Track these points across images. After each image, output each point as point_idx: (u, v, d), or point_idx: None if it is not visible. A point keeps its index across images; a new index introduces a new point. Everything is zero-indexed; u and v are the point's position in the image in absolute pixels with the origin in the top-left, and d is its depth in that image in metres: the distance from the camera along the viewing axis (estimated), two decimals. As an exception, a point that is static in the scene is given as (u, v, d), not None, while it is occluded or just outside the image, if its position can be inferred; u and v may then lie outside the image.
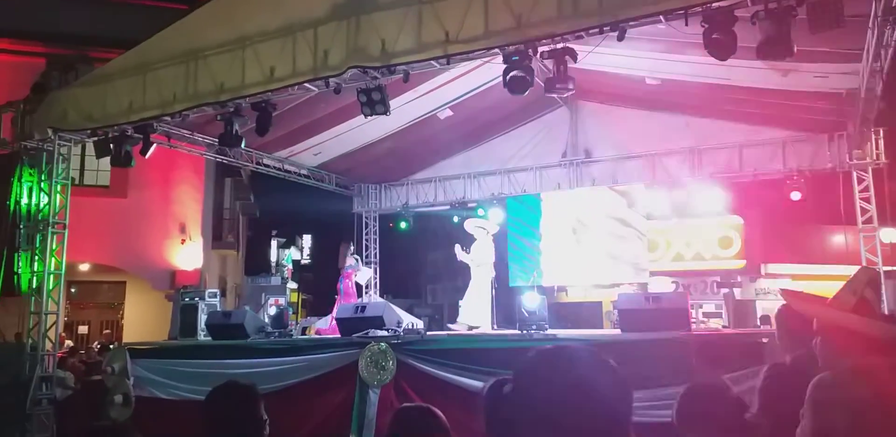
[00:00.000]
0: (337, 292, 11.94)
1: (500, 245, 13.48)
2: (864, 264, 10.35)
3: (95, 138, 9.81)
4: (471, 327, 9.60)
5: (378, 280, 14.49)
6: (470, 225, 10.64)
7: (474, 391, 6.96)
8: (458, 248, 10.60)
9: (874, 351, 2.17)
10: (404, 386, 7.54)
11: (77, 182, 14.17)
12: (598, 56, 8.25)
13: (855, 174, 10.55)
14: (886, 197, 10.30)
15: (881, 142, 10.30)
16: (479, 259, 10.40)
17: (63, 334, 12.97)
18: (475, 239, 10.86)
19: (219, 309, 10.35)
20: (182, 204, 16.36)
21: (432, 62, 7.23)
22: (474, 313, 9.97)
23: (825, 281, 12.58)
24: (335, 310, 10.66)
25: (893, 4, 5.88)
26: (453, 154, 13.65)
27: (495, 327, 10.59)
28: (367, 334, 8.04)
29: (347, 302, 11.00)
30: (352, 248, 13.03)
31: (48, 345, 9.73)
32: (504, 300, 11.51)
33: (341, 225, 17.00)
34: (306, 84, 7.96)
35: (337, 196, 15.01)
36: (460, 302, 10.57)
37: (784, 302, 2.91)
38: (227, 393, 2.55)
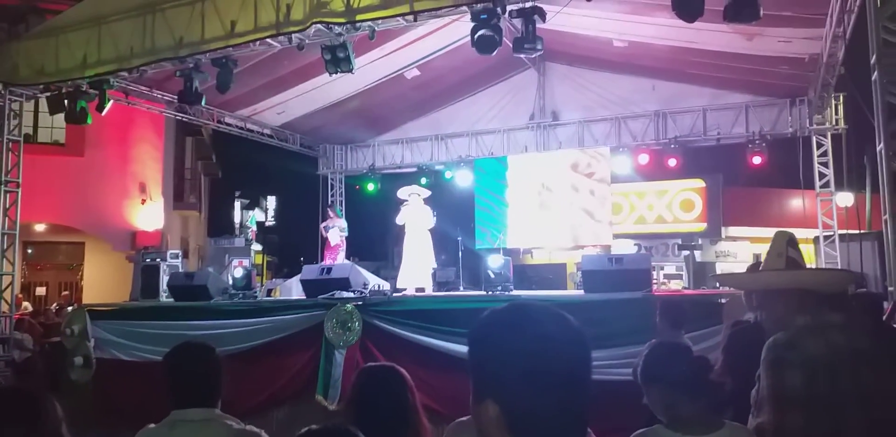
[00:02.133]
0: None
1: (467, 208, 13.50)
2: (820, 227, 10.63)
3: (48, 94, 9.47)
4: (418, 290, 9.60)
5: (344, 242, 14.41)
6: (404, 192, 10.55)
7: (440, 350, 7.02)
8: (403, 210, 10.48)
9: (818, 309, 2.21)
10: (370, 346, 7.56)
11: (31, 140, 13.73)
12: (566, 17, 8.18)
13: (815, 139, 10.73)
14: (844, 162, 10.52)
15: (841, 107, 10.47)
16: (418, 222, 10.27)
17: (20, 296, 12.71)
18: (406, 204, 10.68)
19: (181, 270, 10.22)
20: (141, 163, 15.98)
21: (399, 19, 7.08)
22: (416, 277, 9.93)
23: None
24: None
25: (860, -31, 5.88)
26: (420, 115, 13.53)
27: (461, 288, 10.65)
28: (332, 295, 8.01)
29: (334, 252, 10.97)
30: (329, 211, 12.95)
31: (4, 307, 9.53)
32: (470, 263, 11.57)
33: (307, 187, 16.84)
34: (268, 40, 7.75)
35: (302, 157, 14.82)
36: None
37: (752, 262, 2.97)
38: (186, 351, 2.51)
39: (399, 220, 10.28)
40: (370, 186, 14.43)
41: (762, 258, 3.90)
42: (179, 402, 2.41)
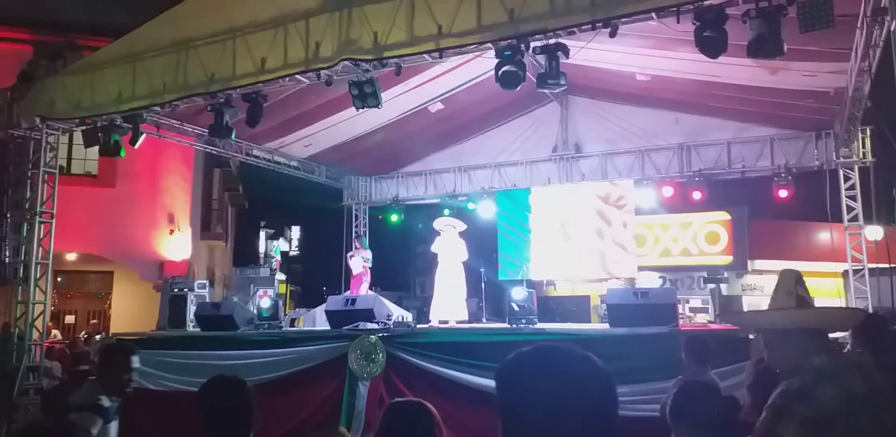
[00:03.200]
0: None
1: (490, 239, 13.52)
2: (849, 261, 10.49)
3: (84, 127, 9.75)
4: (441, 322, 9.61)
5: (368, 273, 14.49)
6: (440, 223, 10.62)
7: (464, 383, 7.00)
8: (437, 240, 10.54)
9: (828, 348, 2.17)
10: (394, 379, 7.57)
11: (64, 171, 14.06)
12: (589, 52, 8.27)
13: (842, 172, 10.66)
14: (872, 195, 10.42)
15: (867, 140, 10.41)
16: (452, 253, 10.31)
17: (50, 324, 12.90)
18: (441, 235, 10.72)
19: (208, 300, 10.34)
20: (170, 194, 16.27)
21: (424, 56, 7.22)
22: (446, 309, 9.94)
23: (810, 278, 12.51)
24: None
25: (882, 5, 5.92)
26: (444, 148, 13.65)
27: (484, 320, 10.63)
28: (356, 326, 8.05)
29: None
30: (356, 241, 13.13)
31: (35, 335, 9.68)
32: (493, 295, 11.55)
33: (331, 217, 16.99)
34: (297, 76, 7.93)
35: (327, 188, 15.00)
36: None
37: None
38: (219, 385, 2.56)
39: (434, 248, 10.36)
40: (393, 218, 14.55)
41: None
42: (212, 435, 2.45)
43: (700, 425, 2.26)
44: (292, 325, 11.17)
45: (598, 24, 6.37)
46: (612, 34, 6.42)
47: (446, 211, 13.11)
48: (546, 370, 1.25)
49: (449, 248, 10.09)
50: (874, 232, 11.07)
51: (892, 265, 10.49)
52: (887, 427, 1.95)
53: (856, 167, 10.54)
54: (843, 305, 10.20)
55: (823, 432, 1.96)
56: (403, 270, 31.88)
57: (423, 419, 2.39)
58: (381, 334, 7.78)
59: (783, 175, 10.83)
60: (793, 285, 2.24)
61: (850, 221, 10.59)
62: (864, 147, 10.40)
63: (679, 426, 2.33)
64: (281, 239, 34.80)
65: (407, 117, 11.64)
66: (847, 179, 10.64)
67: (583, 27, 6.48)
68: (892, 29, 5.41)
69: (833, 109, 9.58)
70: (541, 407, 1.21)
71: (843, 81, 8.34)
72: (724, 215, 15.29)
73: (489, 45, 6.98)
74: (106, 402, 3.38)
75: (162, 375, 8.75)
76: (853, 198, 10.62)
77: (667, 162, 11.91)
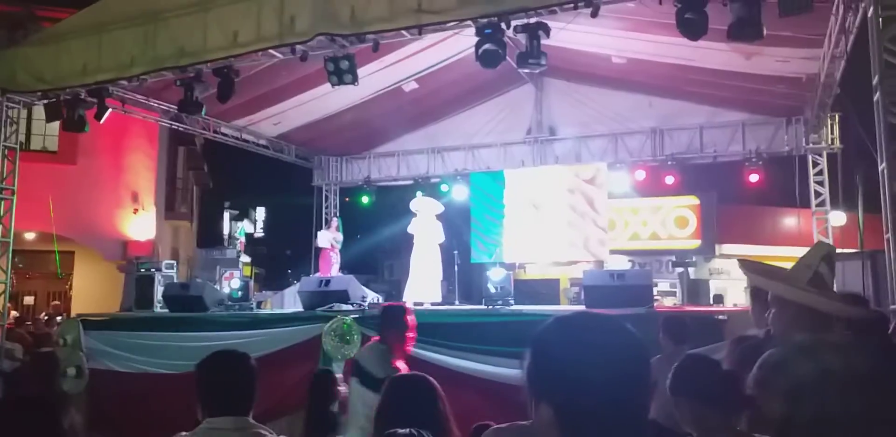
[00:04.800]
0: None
1: (463, 222, 13.53)
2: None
3: (46, 101, 9.44)
4: (415, 304, 9.63)
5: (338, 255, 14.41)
6: (416, 204, 10.57)
7: (441, 365, 7.01)
8: (413, 222, 10.49)
9: (824, 327, 2.18)
10: (368, 359, 7.54)
11: (23, 147, 13.65)
12: (566, 33, 8.28)
13: (810, 158, 10.87)
14: (839, 181, 10.64)
15: (836, 127, 10.63)
16: (428, 235, 10.30)
17: (9, 305, 12.58)
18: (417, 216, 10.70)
19: (175, 281, 10.17)
20: (134, 172, 15.93)
21: (403, 32, 7.13)
22: (421, 291, 9.95)
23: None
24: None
25: (859, -9, 6.01)
26: (417, 128, 13.59)
27: (457, 303, 10.65)
28: (331, 307, 8.00)
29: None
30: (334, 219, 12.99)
31: (-5, 315, 9.44)
32: (464, 278, 11.58)
33: (298, 199, 16.82)
34: (271, 50, 7.76)
35: (295, 168, 14.84)
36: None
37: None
38: (222, 359, 2.51)
39: (410, 230, 10.31)
40: (364, 199, 14.45)
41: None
42: (212, 411, 2.40)
43: (700, 397, 2.29)
44: (259, 308, 11.06)
45: (579, 4, 6.34)
46: (594, 14, 6.41)
47: (419, 193, 13.07)
48: (577, 336, 1.25)
49: (425, 230, 10.07)
50: (838, 218, 11.33)
51: (856, 250, 10.75)
52: (856, 409, 1.94)
53: (824, 153, 10.76)
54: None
55: (798, 404, 1.98)
56: (371, 253, 31.74)
57: (425, 392, 2.38)
58: (356, 316, 7.73)
59: (754, 160, 11.02)
60: (816, 260, 2.22)
61: (817, 206, 10.82)
62: (832, 133, 10.61)
63: (679, 399, 2.36)
64: (245, 220, 34.36)
65: (380, 96, 11.54)
66: (815, 164, 10.87)
67: (565, 6, 6.45)
68: (870, 15, 5.48)
69: (804, 94, 9.74)
70: (568, 373, 1.21)
71: (816, 67, 8.48)
72: (693, 200, 15.50)
73: (469, 22, 6.92)
74: None
75: (130, 356, 8.62)
76: (821, 183, 10.85)
77: (640, 146, 12.04)
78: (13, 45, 9.75)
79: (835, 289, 2.51)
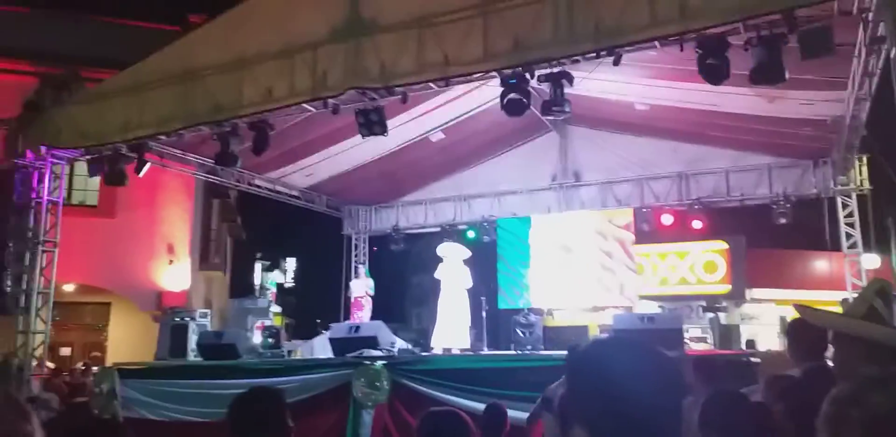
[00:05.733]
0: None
1: (490, 268, 13.51)
2: (849, 288, 10.51)
3: (89, 157, 9.78)
4: (445, 350, 9.55)
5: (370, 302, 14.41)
6: (444, 250, 10.58)
7: (470, 411, 6.91)
8: (441, 267, 10.49)
9: (888, 360, 2.18)
10: (399, 407, 7.47)
11: (65, 201, 14.05)
12: (588, 82, 8.43)
13: (840, 200, 10.75)
14: (870, 223, 10.51)
15: (864, 168, 10.54)
16: (455, 281, 10.28)
17: (46, 356, 12.72)
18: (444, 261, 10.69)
19: (209, 330, 10.25)
20: (170, 224, 16.23)
21: (431, 84, 7.32)
22: (449, 336, 9.87)
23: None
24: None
25: (879, 33, 6.07)
26: (444, 177, 13.75)
27: (485, 349, 10.53)
28: (360, 354, 7.98)
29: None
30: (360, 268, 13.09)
31: (34, 365, 9.55)
32: (492, 324, 11.47)
33: (328, 248, 16.95)
34: (304, 104, 8.01)
35: (326, 218, 15.02)
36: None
37: (797, 315, 2.89)
38: (255, 398, 2.54)
39: (437, 275, 10.32)
40: (393, 247, 14.53)
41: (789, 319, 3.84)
42: None
43: (729, 430, 2.25)
44: (289, 356, 11.06)
45: (602, 53, 6.49)
46: (616, 62, 6.54)
47: (445, 240, 13.11)
48: (612, 365, 1.26)
49: (452, 275, 10.07)
50: (871, 260, 11.14)
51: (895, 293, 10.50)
52: None
53: (853, 195, 10.65)
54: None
55: (876, 434, 1.97)
56: (399, 301, 31.69)
57: (459, 429, 2.37)
58: (385, 362, 7.70)
59: (781, 203, 10.92)
60: (871, 295, 2.20)
61: (849, 248, 10.65)
62: (861, 175, 10.52)
63: (707, 432, 2.33)
64: (276, 270, 34.65)
65: (408, 146, 11.74)
66: (845, 206, 10.74)
67: (587, 55, 6.60)
68: (893, 56, 5.53)
69: (830, 137, 9.71)
70: (599, 402, 1.22)
71: (841, 109, 8.48)
72: (721, 245, 15.33)
73: (494, 73, 7.09)
74: None
75: (164, 405, 8.62)
76: (851, 225, 10.70)
77: (666, 190, 12.03)
78: (58, 104, 10.19)
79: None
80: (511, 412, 6.67)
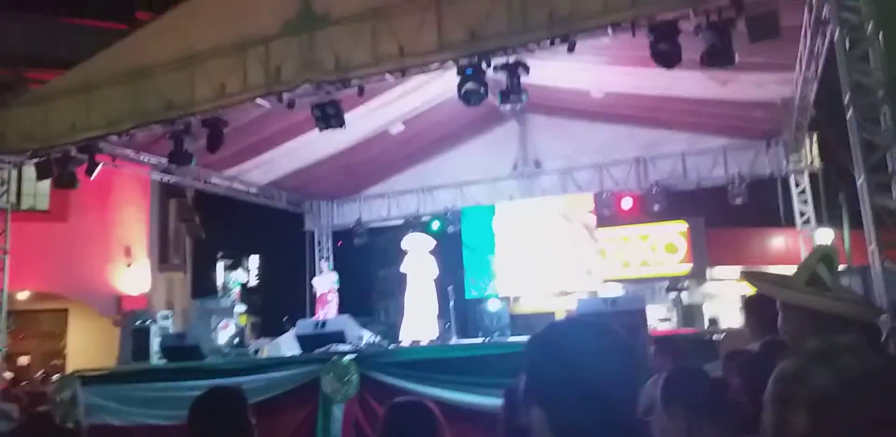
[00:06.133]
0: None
1: (456, 258, 13.57)
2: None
3: (37, 160, 9.53)
4: (413, 342, 9.60)
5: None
6: (408, 242, 10.59)
7: (442, 400, 6.95)
8: (406, 260, 10.51)
9: (832, 329, 2.10)
10: (369, 400, 7.45)
11: (14, 207, 13.70)
12: (545, 71, 8.51)
13: (793, 178, 11.05)
14: (823, 199, 10.82)
15: (815, 147, 10.84)
16: (422, 272, 10.32)
17: (3, 366, 12.43)
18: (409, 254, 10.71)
19: (171, 331, 10.13)
20: (126, 226, 15.93)
21: (387, 75, 7.30)
22: (418, 328, 9.92)
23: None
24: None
25: (824, 15, 6.24)
26: (405, 169, 13.76)
27: (454, 338, 10.60)
28: (328, 349, 7.96)
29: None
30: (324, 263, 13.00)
31: (-9, 376, 9.32)
32: (460, 313, 11.54)
33: (291, 245, 16.83)
34: (258, 99, 7.91)
35: (287, 214, 14.90)
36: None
37: (751, 289, 2.84)
38: (213, 398, 2.53)
39: (403, 268, 10.33)
40: (357, 241, 14.49)
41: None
42: None
43: (691, 406, 2.33)
44: (256, 355, 11.00)
45: (556, 40, 6.54)
46: (571, 49, 6.60)
47: (409, 232, 13.13)
48: (564, 341, 1.30)
49: (418, 266, 10.09)
50: (825, 235, 11.46)
51: (845, 266, 10.85)
52: (877, 410, 1.91)
53: (805, 173, 10.95)
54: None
55: (822, 415, 1.93)
56: (366, 295, 31.60)
57: (425, 419, 2.39)
58: (353, 356, 7.69)
59: (737, 183, 11.17)
60: (814, 262, 2.19)
61: (803, 224, 10.95)
62: (811, 153, 10.81)
63: (671, 408, 2.40)
64: (239, 269, 34.25)
65: (368, 140, 11.72)
66: (798, 184, 11.04)
67: (542, 43, 6.65)
68: (836, 38, 5.69)
69: (781, 117, 9.97)
70: (555, 377, 1.26)
71: (790, 90, 8.71)
72: (681, 225, 15.60)
73: (451, 63, 7.10)
74: None
75: (129, 410, 8.47)
76: (805, 202, 11.00)
77: (625, 175, 12.21)
78: (2, 106, 9.91)
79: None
80: (480, 399, 6.77)
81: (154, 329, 9.75)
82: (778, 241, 14.33)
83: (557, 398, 1.24)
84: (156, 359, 9.44)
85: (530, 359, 1.31)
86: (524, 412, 1.29)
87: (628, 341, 1.31)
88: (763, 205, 11.80)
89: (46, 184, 11.65)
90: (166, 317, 10.35)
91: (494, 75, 7.96)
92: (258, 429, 2.54)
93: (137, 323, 9.99)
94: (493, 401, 6.64)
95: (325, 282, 12.07)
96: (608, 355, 1.27)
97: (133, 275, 15.63)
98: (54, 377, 12.33)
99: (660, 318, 15.15)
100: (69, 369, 13.22)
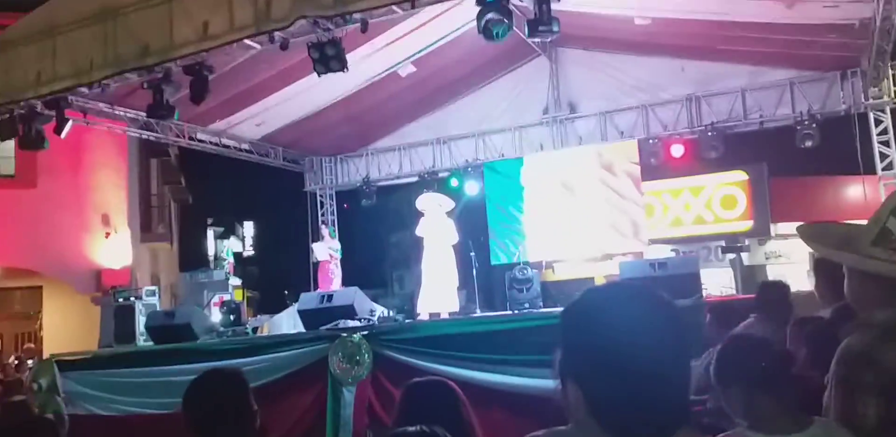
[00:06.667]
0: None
1: (479, 219, 13.61)
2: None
3: (-2, 118, 9.64)
4: (432, 315, 9.72)
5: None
6: (424, 202, 10.62)
7: (465, 381, 7.09)
8: (422, 222, 10.58)
9: None
10: (383, 381, 7.61)
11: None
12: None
13: (872, 115, 10.87)
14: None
15: (900, 77, 10.61)
16: (440, 236, 10.38)
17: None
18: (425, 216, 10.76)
19: (159, 309, 10.35)
20: (103, 192, 16.14)
21: (394, 7, 7.23)
22: (436, 300, 10.04)
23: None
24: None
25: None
26: (418, 117, 13.73)
27: (478, 311, 10.73)
28: (336, 325, 8.10)
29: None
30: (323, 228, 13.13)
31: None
32: (484, 283, 11.63)
33: (290, 208, 16.97)
34: (247, 40, 7.89)
35: (285, 173, 15.02)
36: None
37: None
38: (210, 382, 2.61)
39: (419, 231, 10.41)
40: (365, 202, 14.54)
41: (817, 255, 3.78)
42: None
43: (750, 382, 2.32)
44: (255, 334, 11.23)
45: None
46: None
47: (426, 191, 13.17)
48: (604, 312, 1.29)
49: (436, 230, 10.16)
50: (911, 181, 11.31)
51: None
52: None
53: (887, 108, 10.76)
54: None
55: (893, 398, 1.92)
56: (377, 264, 31.88)
57: (448, 397, 2.44)
58: (364, 332, 7.83)
59: (806, 123, 11.01)
60: (885, 215, 2.05)
61: (884, 170, 10.83)
62: (895, 85, 10.60)
63: (726, 386, 2.40)
64: (232, 238, 34.68)
65: (374, 84, 11.69)
66: (878, 122, 10.86)
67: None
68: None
69: (858, 43, 9.74)
70: (592, 352, 1.27)
71: (869, 10, 8.48)
72: (741, 175, 15.46)
73: (468, -10, 7.03)
74: None
75: (113, 398, 8.70)
76: (886, 144, 10.85)
77: (674, 117, 12.09)
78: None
79: None
80: (509, 379, 6.89)
81: (139, 307, 9.96)
82: (855, 191, 14.14)
83: (595, 373, 1.25)
84: (142, 341, 9.68)
85: (565, 329, 1.34)
86: (560, 388, 1.31)
87: (678, 309, 1.32)
88: (837, 148, 11.63)
89: (11, 145, 11.82)
90: (152, 293, 10.50)
91: (520, 2, 7.90)
92: (261, 415, 2.60)
93: (120, 300, 10.22)
94: (524, 381, 6.79)
95: (324, 249, 12.20)
96: (654, 324, 1.26)
97: (113, 246, 15.89)
98: (30, 363, 12.73)
99: (716, 283, 15.20)
100: (46, 353, 13.60)
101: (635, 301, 1.31)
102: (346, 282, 12.51)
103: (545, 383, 6.39)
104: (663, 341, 1.26)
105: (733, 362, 2.43)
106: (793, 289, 9.71)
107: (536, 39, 7.76)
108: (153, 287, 11.30)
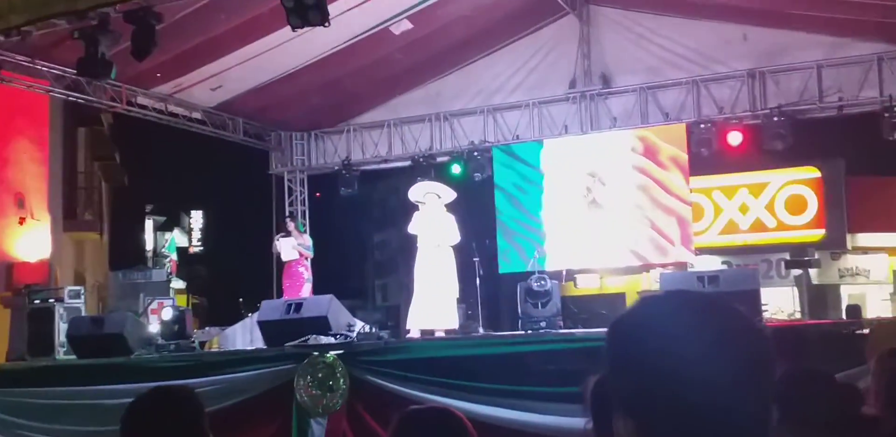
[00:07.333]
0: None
1: (486, 217, 13.60)
2: None
3: None
4: (424, 333, 9.73)
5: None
6: (418, 192, 10.60)
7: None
8: (416, 217, 10.58)
9: None
10: (361, 413, 7.63)
11: None
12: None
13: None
14: None
15: None
16: (437, 236, 10.37)
17: None
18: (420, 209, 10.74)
19: (84, 315, 10.34)
20: (17, 167, 16.07)
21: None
22: (430, 314, 10.02)
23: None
24: None
25: None
26: (414, 86, 13.73)
27: (480, 330, 10.73)
28: (305, 341, 8.09)
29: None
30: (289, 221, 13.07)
31: None
32: (489, 295, 11.64)
33: (251, 195, 16.97)
34: (204, -19, 7.90)
35: (244, 151, 15.01)
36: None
37: None
38: (155, 402, 2.58)
39: (411, 228, 10.37)
40: (344, 191, 14.52)
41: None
42: None
43: (810, 424, 2.34)
44: (202, 348, 11.23)
45: None
46: None
47: (421, 179, 13.15)
48: (658, 331, 1.27)
49: (432, 228, 10.12)
50: None
51: None
52: None
53: None
54: None
55: None
56: (357, 268, 31.98)
57: (453, 432, 2.41)
58: (340, 352, 7.83)
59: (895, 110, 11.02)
60: None
61: None
62: None
63: (781, 425, 2.41)
64: (176, 230, 34.71)
65: (360, 43, 11.69)
66: None
67: None
68: None
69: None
70: (642, 379, 1.25)
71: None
72: (812, 173, 15.51)
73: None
74: None
75: (25, 424, 8.72)
76: None
77: (732, 97, 12.08)
78: None
79: None
80: (518, 415, 6.88)
81: (59, 311, 9.97)
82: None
83: (653, 406, 1.22)
84: (62, 353, 9.68)
85: (612, 352, 1.31)
86: (597, 420, 1.30)
87: (757, 331, 1.29)
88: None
89: None
90: (76, 294, 10.50)
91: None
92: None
93: (35, 302, 10.22)
94: (536, 418, 6.78)
95: (289, 247, 12.12)
96: (727, 347, 1.22)
97: (28, 235, 15.86)
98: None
99: (775, 305, 15.21)
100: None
101: (707, 315, 1.27)
102: (318, 290, 12.50)
103: (563, 421, 6.39)
104: (736, 365, 1.21)
105: (791, 398, 2.44)
106: (873, 315, 9.76)
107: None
108: (77, 287, 11.29)
